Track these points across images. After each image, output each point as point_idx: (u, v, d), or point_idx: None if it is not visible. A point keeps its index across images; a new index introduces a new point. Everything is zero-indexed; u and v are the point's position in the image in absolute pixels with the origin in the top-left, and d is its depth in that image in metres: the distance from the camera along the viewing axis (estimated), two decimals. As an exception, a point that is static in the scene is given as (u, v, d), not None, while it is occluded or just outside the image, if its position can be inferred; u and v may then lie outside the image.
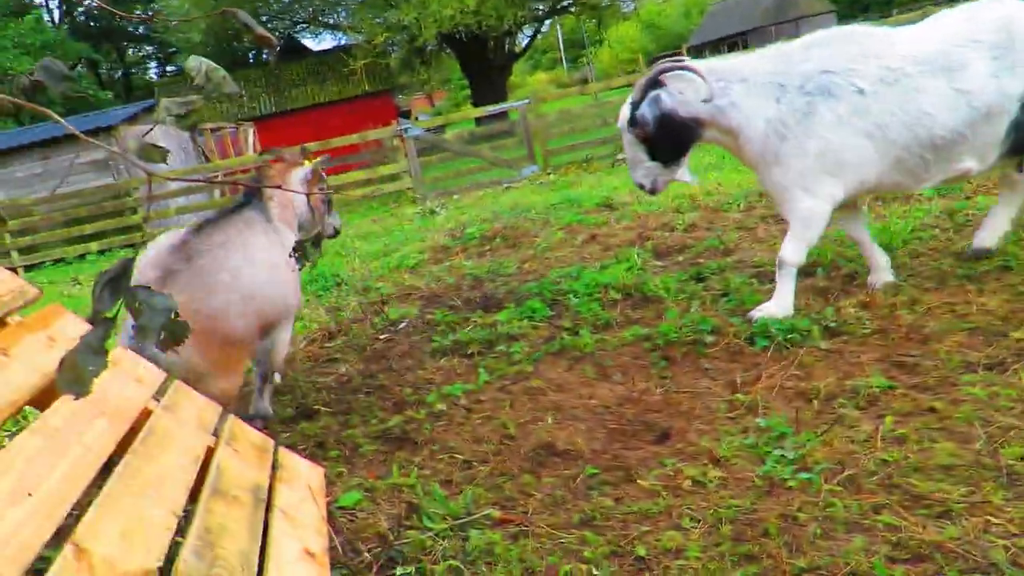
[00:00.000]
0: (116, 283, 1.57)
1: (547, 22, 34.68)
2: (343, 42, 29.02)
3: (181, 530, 1.89)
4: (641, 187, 3.87)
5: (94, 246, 12.91)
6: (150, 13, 30.52)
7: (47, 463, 1.73)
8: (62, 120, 1.94)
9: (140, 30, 35.53)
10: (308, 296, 5.98)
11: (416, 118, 38.33)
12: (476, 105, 25.61)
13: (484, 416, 3.32)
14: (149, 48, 36.45)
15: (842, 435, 2.58)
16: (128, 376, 2.37)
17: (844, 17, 45.50)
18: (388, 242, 8.29)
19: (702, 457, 2.63)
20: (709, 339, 3.60)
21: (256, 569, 1.94)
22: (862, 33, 3.59)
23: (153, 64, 37.24)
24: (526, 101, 13.62)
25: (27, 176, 15.20)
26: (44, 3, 32.09)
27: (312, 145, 13.47)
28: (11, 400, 1.92)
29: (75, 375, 1.50)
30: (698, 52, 44.43)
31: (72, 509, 1.68)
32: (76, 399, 1.52)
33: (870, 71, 3.41)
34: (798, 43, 3.64)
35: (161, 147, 1.81)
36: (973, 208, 4.73)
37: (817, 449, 2.51)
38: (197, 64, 1.84)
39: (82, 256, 12.92)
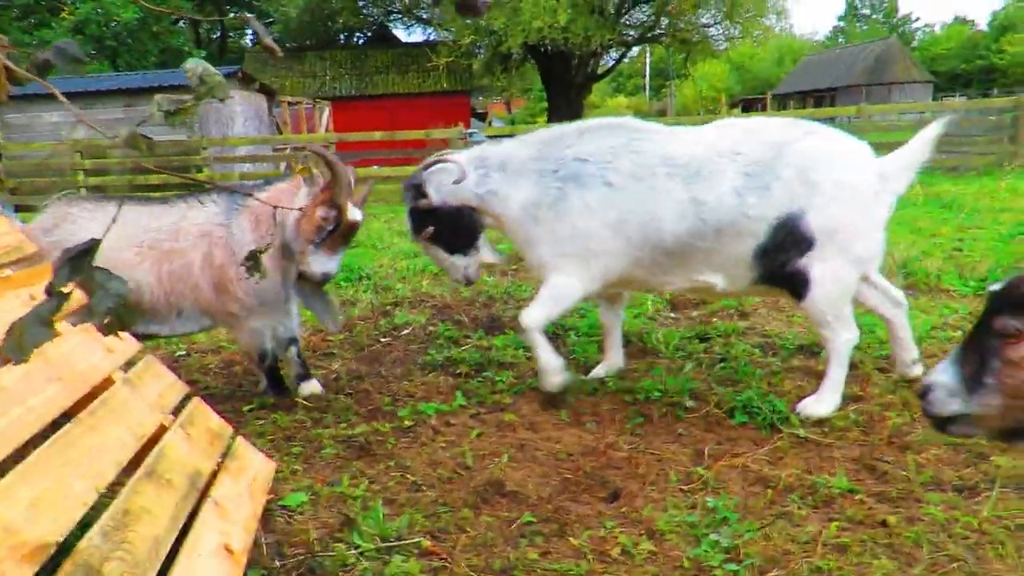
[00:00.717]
0: (79, 260, 1.66)
1: (635, 48, 34.67)
2: (431, 37, 29.49)
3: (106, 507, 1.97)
4: (458, 282, 3.90)
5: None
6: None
7: (-22, 422, 1.82)
8: (56, 91, 2.02)
9: (244, -3, 36.85)
10: (328, 286, 6.08)
11: (490, 122, 38.74)
12: (550, 119, 25.76)
13: (448, 440, 3.35)
14: (249, 15, 37.64)
15: (785, 531, 2.51)
16: (97, 345, 2.48)
17: (942, 90, 44.20)
18: (423, 244, 8.39)
19: (640, 526, 2.60)
20: (689, 404, 3.55)
21: (164, 557, 2.00)
22: (631, 125, 3.52)
23: (250, 32, 38.56)
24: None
25: (109, 120, 15.87)
26: (158, -42, 33.49)
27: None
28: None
29: (18, 342, 1.58)
30: (783, 101, 43.74)
31: (-8, 470, 1.76)
32: (15, 364, 1.61)
33: (624, 165, 3.35)
34: (573, 127, 3.60)
35: (150, 139, 1.88)
36: (1003, 316, 4.55)
37: (755, 541, 2.45)
38: (194, 66, 1.92)
39: (142, 205, 13.41)
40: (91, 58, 24.25)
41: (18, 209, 9.39)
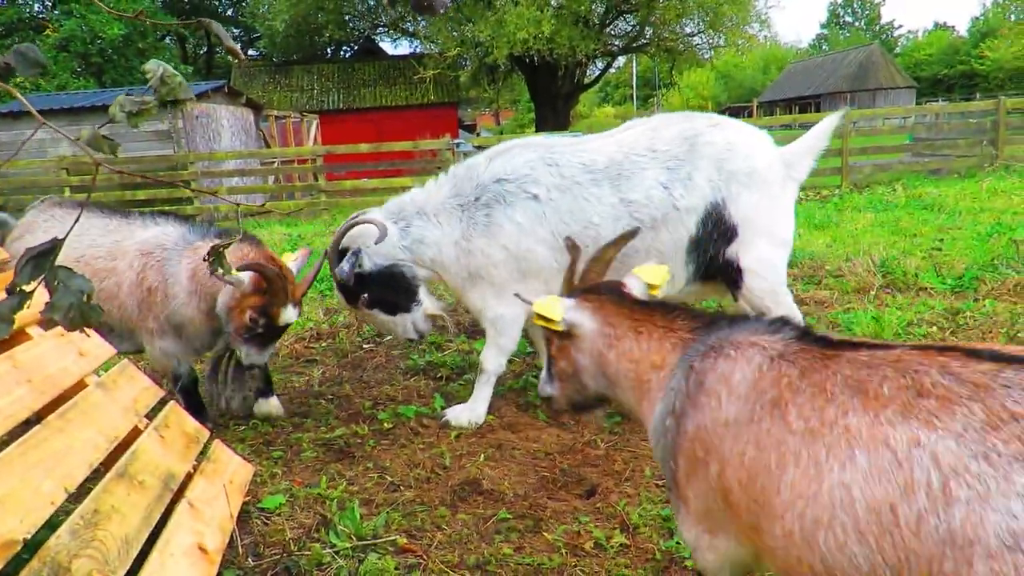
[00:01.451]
0: (41, 259, 1.68)
1: (621, 58, 34.93)
2: (418, 50, 29.64)
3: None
4: (411, 341, 3.69)
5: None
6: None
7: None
8: (23, 99, 2.04)
9: (230, 12, 36.96)
10: (314, 293, 6.10)
11: (479, 133, 38.87)
12: (538, 130, 25.89)
13: (427, 442, 3.36)
14: (236, 30, 37.83)
15: (757, 523, 2.54)
16: (71, 348, 2.49)
17: (924, 94, 44.71)
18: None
19: (615, 520, 2.62)
20: (667, 402, 3.57)
21: (135, 556, 2.01)
22: (540, 142, 3.50)
23: (237, 46, 38.63)
24: (577, 134, 13.75)
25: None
26: (144, -25, 33.70)
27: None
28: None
29: (-23, 337, 1.60)
30: (769, 108, 44.11)
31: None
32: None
33: (545, 178, 3.31)
34: (481, 156, 3.53)
35: (112, 140, 1.90)
36: (979, 311, 4.61)
37: None
38: (155, 67, 1.94)
39: (128, 220, 13.38)
40: (77, 75, 24.25)
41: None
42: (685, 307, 1.88)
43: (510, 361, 4.35)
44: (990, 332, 4.22)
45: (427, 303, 3.62)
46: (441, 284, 3.80)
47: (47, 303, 1.68)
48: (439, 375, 4.21)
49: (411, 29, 29.85)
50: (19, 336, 2.40)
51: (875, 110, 21.45)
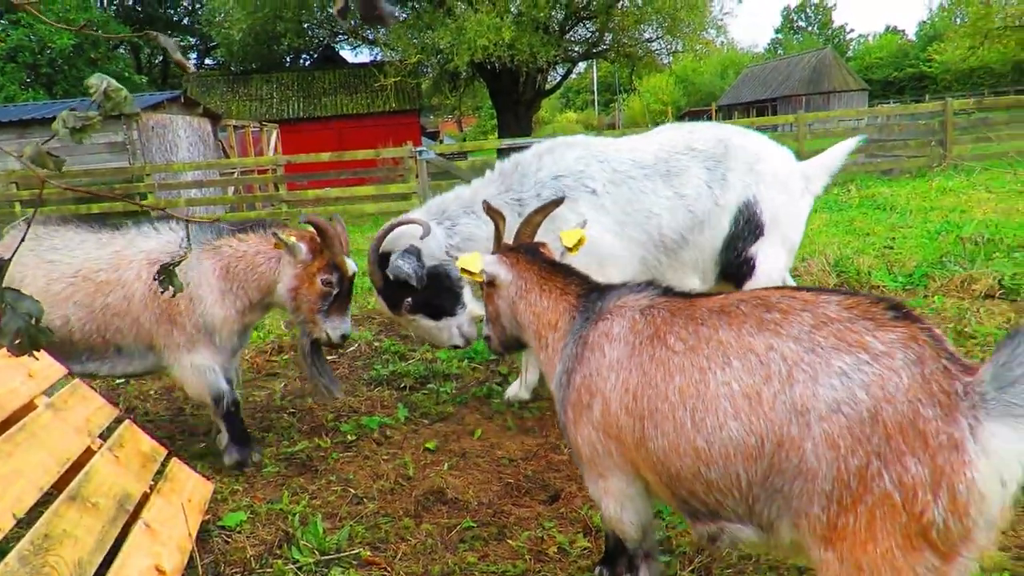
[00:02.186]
0: (-11, 283, 1.64)
1: (581, 64, 35.21)
2: (378, 57, 29.51)
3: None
4: (456, 347, 3.53)
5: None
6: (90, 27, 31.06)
7: None
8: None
9: (185, 21, 36.37)
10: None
11: (442, 140, 38.82)
12: (501, 135, 25.95)
13: (391, 452, 3.35)
14: (192, 39, 37.23)
15: (718, 522, 2.58)
16: (19, 370, 2.42)
17: (876, 96, 45.88)
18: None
19: (578, 525, 2.64)
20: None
21: (89, 580, 1.97)
22: (581, 141, 3.59)
23: (193, 55, 38.04)
24: (540, 139, 13.85)
25: (49, 149, 15.44)
26: (96, -17, 33.05)
27: (326, 155, 13.71)
28: None
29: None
30: (728, 112, 44.86)
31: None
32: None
33: (598, 174, 3.41)
34: (529, 153, 3.53)
35: (57, 157, 1.86)
36: (928, 307, 4.74)
37: (686, 532, 2.51)
38: (98, 82, 1.91)
39: (83, 234, 13.06)
40: (26, 86, 23.62)
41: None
42: (578, 274, 2.19)
43: (473, 368, 4.37)
44: (939, 327, 4.34)
45: (472, 306, 3.49)
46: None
47: (-7, 326, 1.64)
48: (403, 385, 4.19)
49: (371, 37, 29.72)
50: (-36, 358, 2.33)
51: (829, 112, 21.92)
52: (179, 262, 1.81)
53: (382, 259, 3.28)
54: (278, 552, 2.59)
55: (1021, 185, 9.66)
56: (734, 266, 3.51)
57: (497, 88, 27.01)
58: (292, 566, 2.47)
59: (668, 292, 1.92)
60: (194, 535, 2.52)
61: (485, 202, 2.55)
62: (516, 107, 27.25)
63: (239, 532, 2.73)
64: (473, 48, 21.94)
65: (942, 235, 6.85)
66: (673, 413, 1.67)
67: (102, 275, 3.20)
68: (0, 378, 2.32)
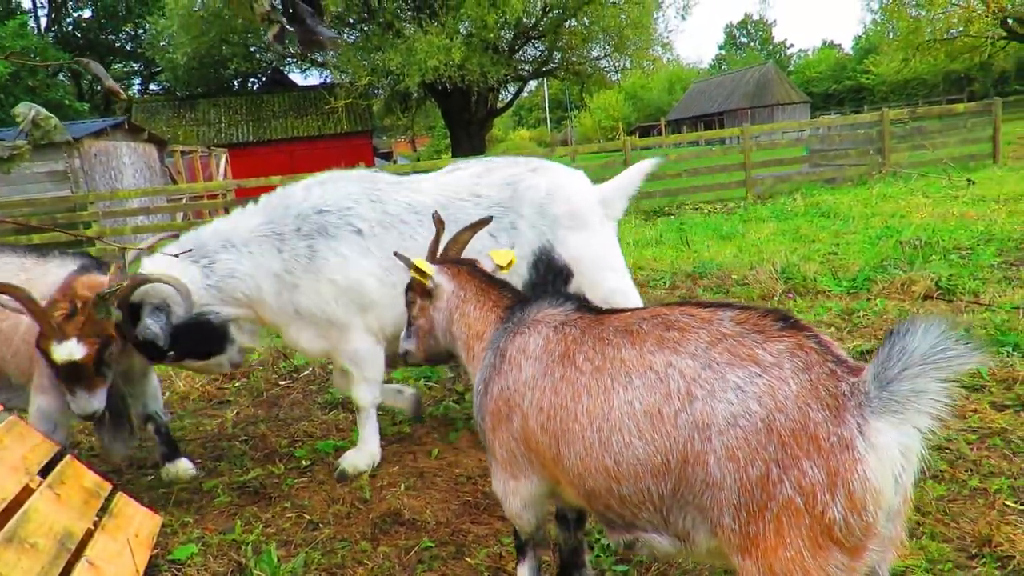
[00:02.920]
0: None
1: (532, 82, 35.61)
2: (328, 80, 29.38)
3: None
4: (226, 374, 3.39)
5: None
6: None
7: None
8: None
9: (128, 46, 35.69)
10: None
11: (395, 160, 38.75)
12: (455, 155, 26.02)
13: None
14: (135, 64, 36.56)
15: (674, 530, 2.60)
16: (-50, 408, 2.33)
17: (818, 108, 47.39)
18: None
19: (537, 540, 2.63)
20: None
21: (28, 623, 1.89)
22: (363, 176, 3.39)
23: (137, 81, 37.34)
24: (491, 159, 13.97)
25: (-16, 179, 14.96)
26: (32, 10, 32.26)
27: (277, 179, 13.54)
28: None
29: None
30: (676, 126, 45.82)
31: None
32: None
33: (368, 213, 3.21)
34: (298, 184, 3.36)
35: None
36: (871, 310, 4.89)
37: (646, 542, 2.53)
38: (26, 110, 1.86)
39: (24, 266, 12.62)
40: (-38, 115, 22.88)
41: None
42: (512, 288, 2.24)
43: (430, 388, 4.35)
44: (881, 329, 4.48)
45: (240, 338, 3.34)
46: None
47: None
48: (358, 407, 4.14)
49: (320, 60, 29.61)
50: None
51: (772, 124, 22.59)
52: (114, 291, 1.77)
53: (133, 312, 2.97)
54: (231, 584, 2.52)
55: (955, 190, 10.08)
56: None
57: (449, 107, 27.13)
58: (245, 597, 2.41)
59: (582, 307, 1.96)
60: (142, 571, 2.44)
61: (435, 212, 2.44)
62: (468, 126, 27.39)
63: (190, 565, 2.65)
64: (424, 69, 22.03)
65: (883, 240, 7.08)
66: (583, 433, 1.71)
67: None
68: (-71, 417, 2.22)
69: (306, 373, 4.88)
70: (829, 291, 5.53)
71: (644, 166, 3.53)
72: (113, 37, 35.84)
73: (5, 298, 2.73)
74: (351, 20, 25.01)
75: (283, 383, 4.78)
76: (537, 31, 25.66)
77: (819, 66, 58.10)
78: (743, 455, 1.46)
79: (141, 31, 34.15)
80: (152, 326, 2.96)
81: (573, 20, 25.21)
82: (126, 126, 17.52)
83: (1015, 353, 3.78)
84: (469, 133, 27.10)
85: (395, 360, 2.84)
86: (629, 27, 24.09)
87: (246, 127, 28.16)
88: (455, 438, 3.61)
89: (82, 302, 2.79)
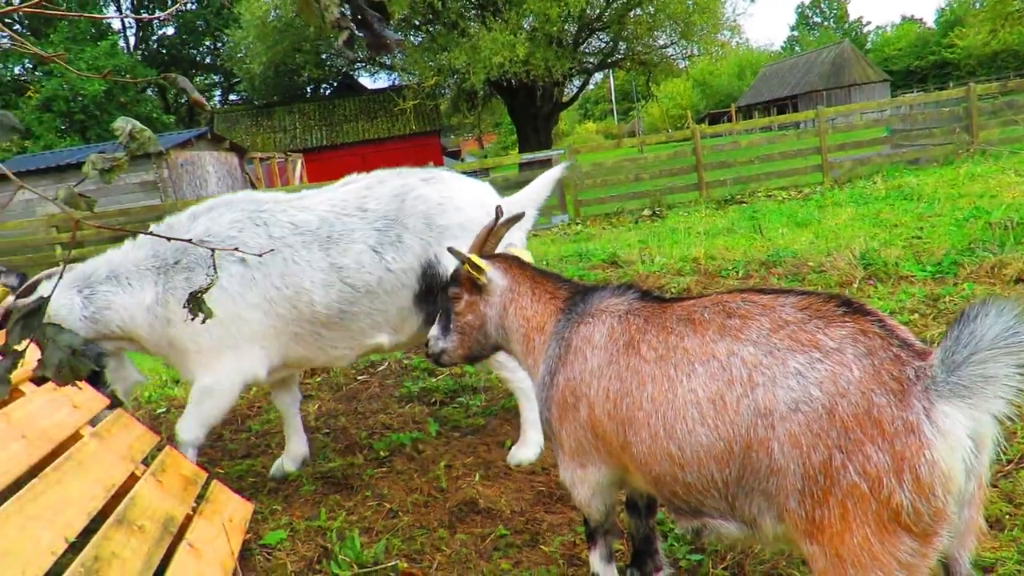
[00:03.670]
0: (30, 318, 1.74)
1: (597, 74, 35.34)
2: (396, 82, 29.96)
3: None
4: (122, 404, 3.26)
5: None
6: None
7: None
8: (5, 169, 2.11)
9: (208, 59, 37.39)
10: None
11: (463, 159, 39.19)
12: (522, 150, 26.12)
13: (423, 467, 3.40)
14: (216, 77, 38.25)
15: (749, 519, 2.58)
16: (64, 402, 2.54)
17: (898, 87, 45.23)
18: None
19: (610, 528, 2.66)
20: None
21: (138, 599, 2.05)
22: (249, 199, 3.26)
23: (218, 92, 39.05)
24: (559, 151, 14.05)
25: (83, 191, 15.93)
26: (121, 30, 34.16)
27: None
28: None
29: (-23, 401, 1.65)
30: (748, 112, 44.58)
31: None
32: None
33: (251, 240, 3.08)
34: (185, 213, 3.27)
35: (88, 198, 1.96)
36: (958, 295, 4.68)
37: (720, 531, 2.52)
38: (123, 124, 2.01)
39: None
40: (62, 134, 24.45)
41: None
42: (565, 279, 2.24)
43: (502, 381, 4.41)
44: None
45: (126, 373, 3.33)
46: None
47: (38, 360, 1.74)
48: (432, 400, 4.26)
49: (388, 63, 30.20)
50: (13, 393, 2.45)
51: (850, 106, 21.67)
52: (208, 288, 1.90)
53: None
54: (318, 567, 2.65)
55: (1052, 166, 9.48)
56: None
57: (515, 104, 27.21)
58: (332, 580, 2.53)
59: (645, 296, 1.98)
60: (236, 554, 2.60)
61: (498, 207, 2.35)
62: (535, 121, 27.42)
63: (280, 549, 2.81)
64: (488, 66, 22.17)
65: (971, 222, 6.74)
66: (648, 421, 1.74)
67: None
68: (47, 410, 2.43)
69: (382, 368, 5.04)
70: (912, 277, 5.32)
71: (554, 173, 3.40)
72: (194, 51, 37.64)
73: None
74: (416, 22, 25.40)
75: (361, 378, 4.95)
76: (601, 22, 25.43)
77: (899, 42, 55.42)
78: (806, 441, 1.47)
79: (220, 44, 35.71)
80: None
81: (638, 9, 24.86)
82: (209, 136, 18.36)
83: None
84: (536, 128, 27.12)
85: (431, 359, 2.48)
86: (696, 13, 23.58)
87: (319, 132, 29.02)
88: (528, 429, 3.67)
89: None
